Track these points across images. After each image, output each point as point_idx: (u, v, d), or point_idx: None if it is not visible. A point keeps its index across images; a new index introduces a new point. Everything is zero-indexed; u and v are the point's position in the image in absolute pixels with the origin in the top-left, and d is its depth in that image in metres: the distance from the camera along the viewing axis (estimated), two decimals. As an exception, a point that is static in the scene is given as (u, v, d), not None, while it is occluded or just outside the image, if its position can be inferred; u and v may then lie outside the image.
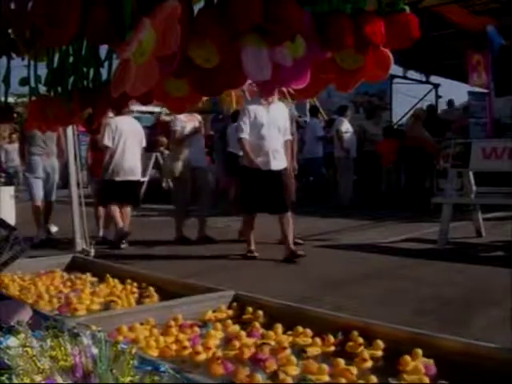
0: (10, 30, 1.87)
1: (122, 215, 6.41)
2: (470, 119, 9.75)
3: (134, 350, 1.28)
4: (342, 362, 1.91)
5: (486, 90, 9.54)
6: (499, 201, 6.26)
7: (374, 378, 1.81)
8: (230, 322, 2.46)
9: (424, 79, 14.36)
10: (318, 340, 2.16)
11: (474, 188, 6.31)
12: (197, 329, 2.35)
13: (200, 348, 2.07)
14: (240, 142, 5.60)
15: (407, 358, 1.92)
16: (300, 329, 2.29)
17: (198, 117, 6.76)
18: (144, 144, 6.68)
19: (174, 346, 2.15)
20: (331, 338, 2.15)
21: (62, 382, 1.20)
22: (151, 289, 3.02)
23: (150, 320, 2.44)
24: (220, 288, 2.84)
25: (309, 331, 2.26)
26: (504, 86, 9.36)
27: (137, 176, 6.54)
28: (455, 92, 13.76)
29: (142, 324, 2.41)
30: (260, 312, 2.53)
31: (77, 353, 1.25)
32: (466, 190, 6.41)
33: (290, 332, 2.29)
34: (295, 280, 4.68)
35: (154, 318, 2.45)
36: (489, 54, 8.90)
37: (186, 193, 6.61)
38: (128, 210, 6.54)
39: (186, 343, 2.14)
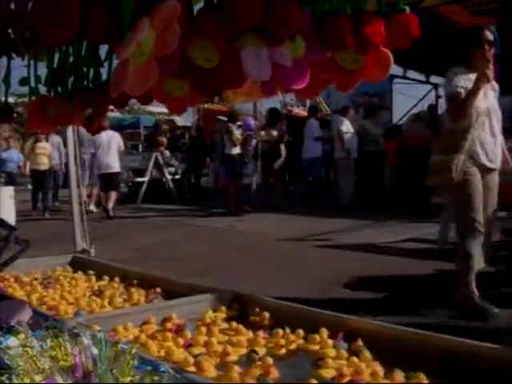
0: (10, 30, 1.87)
1: (107, 196, 9.33)
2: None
3: (134, 350, 1.28)
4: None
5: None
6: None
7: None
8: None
9: (424, 79, 14.32)
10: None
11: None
12: (188, 332, 2.32)
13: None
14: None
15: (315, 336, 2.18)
16: (237, 326, 2.39)
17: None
18: (122, 146, 9.68)
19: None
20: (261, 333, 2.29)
21: (62, 381, 1.20)
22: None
23: (151, 319, 2.44)
24: (220, 288, 2.84)
25: (243, 328, 2.35)
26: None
27: (113, 169, 9.37)
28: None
29: (145, 323, 2.42)
30: (266, 314, 2.51)
31: (77, 353, 1.25)
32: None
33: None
34: (295, 280, 4.68)
35: (154, 317, 2.45)
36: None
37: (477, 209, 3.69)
38: (112, 193, 9.31)
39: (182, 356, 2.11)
